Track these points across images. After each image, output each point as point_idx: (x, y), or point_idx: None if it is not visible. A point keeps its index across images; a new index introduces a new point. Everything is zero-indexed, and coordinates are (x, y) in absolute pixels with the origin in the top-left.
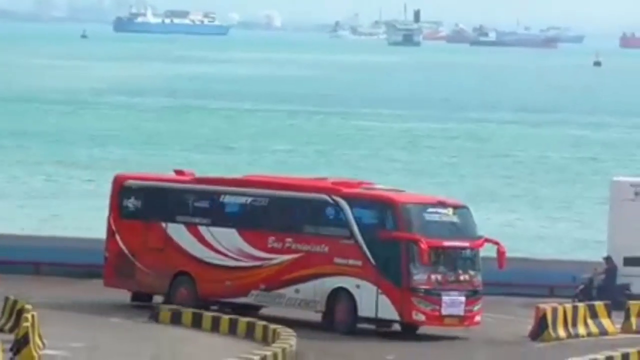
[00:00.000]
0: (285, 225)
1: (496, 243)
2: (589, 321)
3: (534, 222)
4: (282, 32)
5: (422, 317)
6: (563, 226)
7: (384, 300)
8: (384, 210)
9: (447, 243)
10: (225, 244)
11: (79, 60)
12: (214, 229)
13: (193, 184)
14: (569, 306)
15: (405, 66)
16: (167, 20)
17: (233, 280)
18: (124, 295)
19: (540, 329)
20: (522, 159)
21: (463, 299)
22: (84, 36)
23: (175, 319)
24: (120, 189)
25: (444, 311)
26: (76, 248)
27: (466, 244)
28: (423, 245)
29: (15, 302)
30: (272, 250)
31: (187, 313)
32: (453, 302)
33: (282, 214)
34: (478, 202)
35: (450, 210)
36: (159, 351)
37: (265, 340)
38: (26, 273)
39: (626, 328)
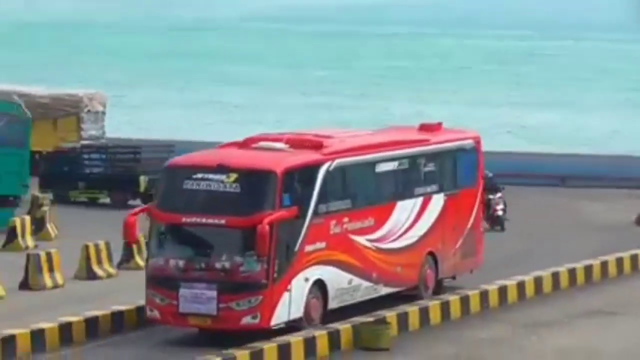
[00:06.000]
0: None
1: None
2: None
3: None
4: None
5: (156, 314)
6: None
7: None
8: None
9: (188, 219)
10: None
11: None
12: None
13: None
14: None
15: None
16: None
17: None
18: None
19: None
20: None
21: (213, 293)
22: None
23: None
24: None
25: (183, 308)
26: None
27: (221, 221)
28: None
29: None
30: None
31: None
32: (196, 297)
33: None
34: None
35: (230, 177)
36: None
37: None
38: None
39: None
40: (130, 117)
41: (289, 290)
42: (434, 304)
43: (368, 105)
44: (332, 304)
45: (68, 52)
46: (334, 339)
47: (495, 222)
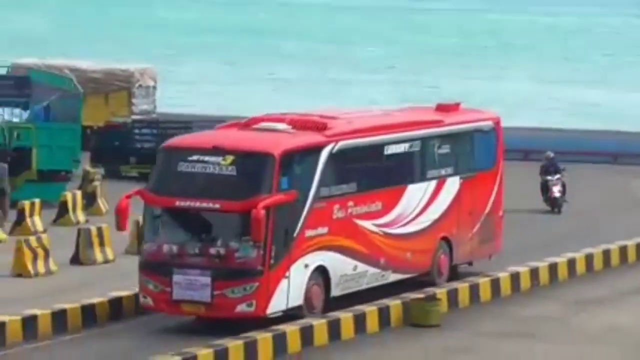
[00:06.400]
0: None
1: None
2: None
3: None
4: None
5: (149, 301)
6: None
7: None
8: None
9: (182, 203)
10: None
11: None
12: None
13: None
14: None
15: None
16: None
17: None
18: None
19: None
20: None
21: (207, 279)
22: None
23: None
24: None
25: (176, 295)
26: None
27: (216, 205)
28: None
29: None
30: None
31: None
32: (190, 284)
33: None
34: None
35: (226, 159)
36: None
37: None
38: None
39: None
40: (180, 92)
41: (287, 277)
42: (484, 281)
43: (415, 82)
44: (335, 291)
45: (109, 26)
46: (384, 315)
47: (554, 204)
